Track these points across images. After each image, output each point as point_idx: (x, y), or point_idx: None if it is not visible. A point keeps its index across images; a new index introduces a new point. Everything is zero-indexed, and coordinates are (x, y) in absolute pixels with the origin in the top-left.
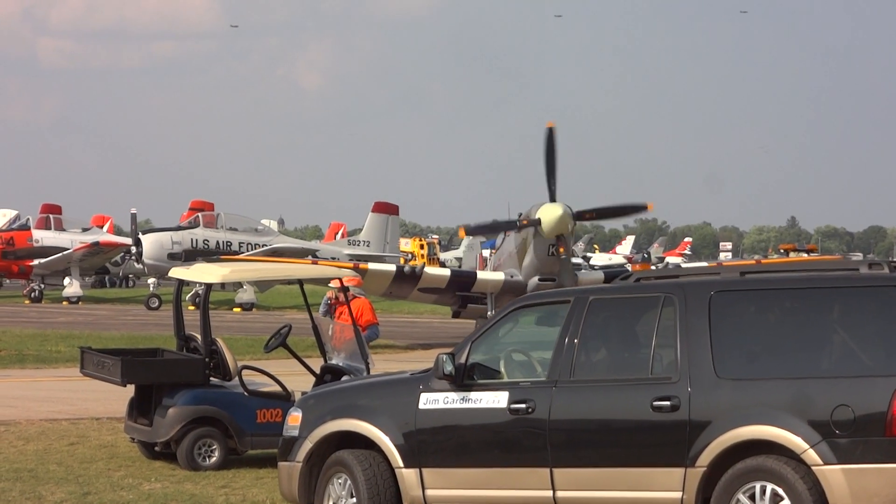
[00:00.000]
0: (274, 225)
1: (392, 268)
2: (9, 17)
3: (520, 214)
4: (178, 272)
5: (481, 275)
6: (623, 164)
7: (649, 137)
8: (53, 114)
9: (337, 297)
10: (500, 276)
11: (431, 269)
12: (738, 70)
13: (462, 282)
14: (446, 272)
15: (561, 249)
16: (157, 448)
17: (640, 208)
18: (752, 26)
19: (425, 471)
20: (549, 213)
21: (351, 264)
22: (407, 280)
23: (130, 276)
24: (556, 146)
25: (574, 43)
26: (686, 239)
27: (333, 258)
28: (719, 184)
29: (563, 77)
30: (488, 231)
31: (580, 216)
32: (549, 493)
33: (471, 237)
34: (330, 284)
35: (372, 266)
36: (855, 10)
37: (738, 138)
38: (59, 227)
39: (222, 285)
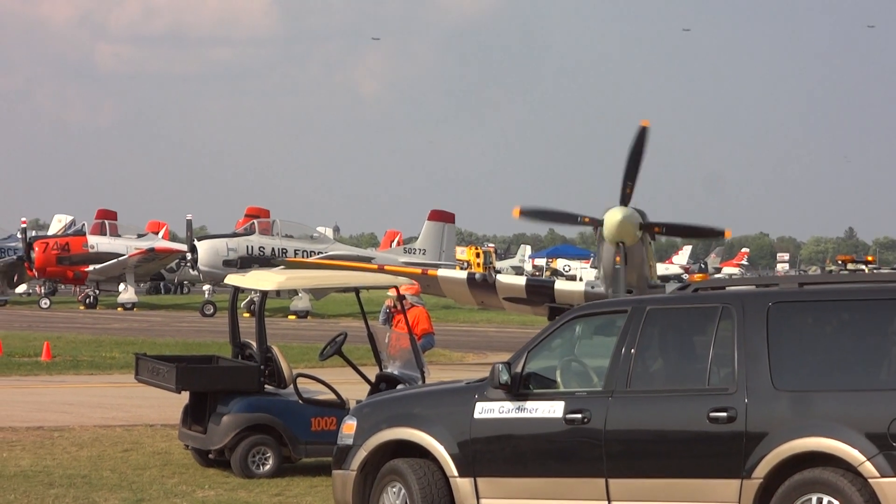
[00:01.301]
0: (329, 232)
1: (463, 275)
2: (67, 23)
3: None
4: (233, 279)
5: (559, 284)
6: (676, 170)
7: (702, 144)
8: (110, 119)
9: (395, 306)
10: (580, 286)
11: (504, 277)
12: (799, 82)
13: (541, 290)
14: (521, 280)
15: (617, 259)
16: (211, 455)
17: (717, 233)
18: (830, 36)
19: (480, 480)
20: (610, 216)
21: (418, 271)
22: (481, 288)
23: (185, 282)
24: (644, 147)
25: (643, 46)
26: (743, 249)
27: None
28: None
29: (625, 81)
30: (543, 218)
31: (648, 227)
32: None
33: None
34: (388, 293)
35: (441, 273)
36: None
37: (793, 148)
38: (115, 233)
39: (277, 293)
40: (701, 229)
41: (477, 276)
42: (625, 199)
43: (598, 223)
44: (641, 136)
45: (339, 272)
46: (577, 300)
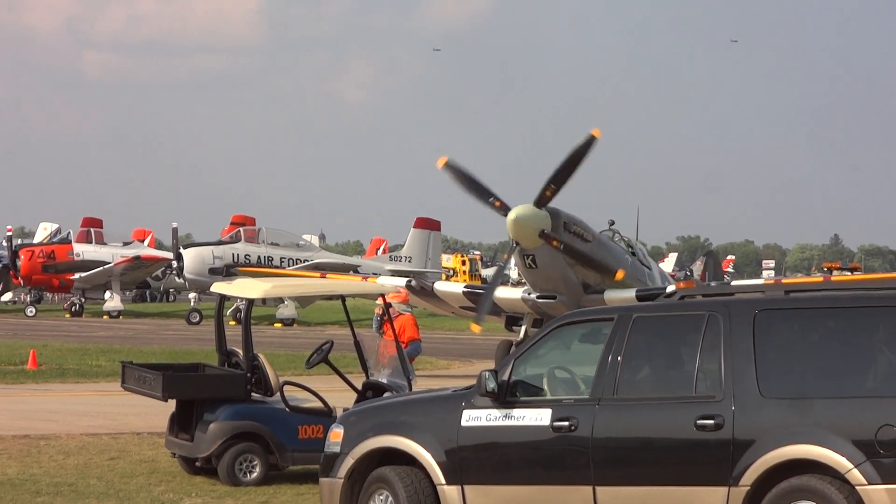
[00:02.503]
0: (315, 240)
1: (402, 282)
2: (52, 31)
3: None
4: (220, 287)
5: (498, 292)
6: (663, 178)
7: (691, 152)
8: (95, 127)
9: (383, 314)
10: (517, 293)
11: (442, 285)
12: (785, 88)
13: (475, 299)
14: (458, 288)
15: (505, 257)
16: (198, 463)
17: (610, 272)
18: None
19: (467, 488)
20: (512, 212)
21: (358, 278)
22: (424, 296)
23: (171, 290)
24: (586, 156)
25: (626, 58)
26: (729, 257)
27: (375, 274)
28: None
29: (608, 92)
30: (462, 180)
31: (548, 237)
32: None
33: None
34: (377, 301)
35: (380, 280)
36: None
37: (778, 154)
38: (100, 241)
39: (263, 300)
40: (597, 263)
41: (413, 283)
42: (540, 201)
43: (507, 210)
44: (588, 144)
45: (326, 280)
46: (515, 308)
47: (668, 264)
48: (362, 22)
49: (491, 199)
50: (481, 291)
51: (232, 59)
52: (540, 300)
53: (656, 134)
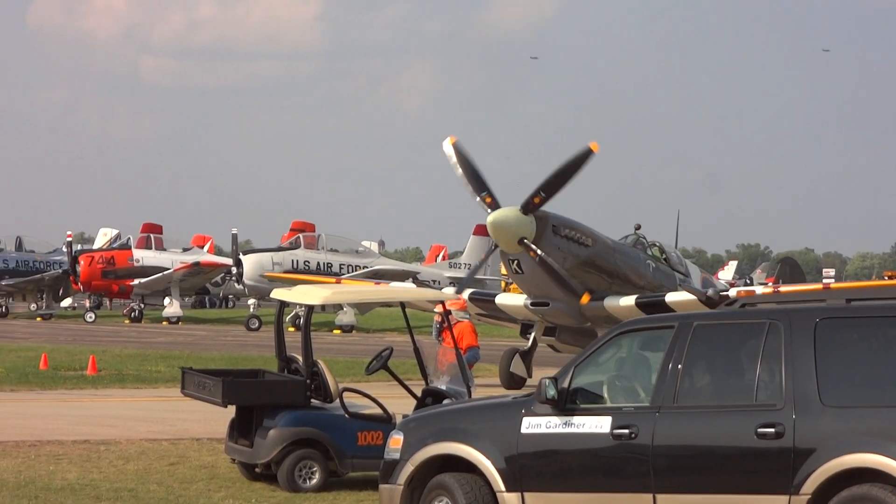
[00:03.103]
0: (375, 247)
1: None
2: (111, 36)
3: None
4: (280, 293)
5: (500, 298)
6: (725, 185)
7: (752, 161)
8: (155, 132)
9: (442, 321)
10: (519, 300)
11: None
12: (847, 97)
13: (486, 304)
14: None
15: (481, 257)
16: (257, 469)
17: (574, 293)
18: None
19: (527, 495)
20: (491, 214)
21: (370, 283)
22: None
23: (230, 296)
24: (581, 168)
25: (687, 63)
26: None
27: (435, 281)
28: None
29: (668, 99)
30: (463, 165)
31: (526, 246)
32: None
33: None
34: (435, 309)
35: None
36: None
37: (838, 162)
38: (160, 247)
39: (323, 307)
40: (603, 267)
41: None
42: (526, 207)
43: (495, 209)
44: (584, 157)
45: (385, 287)
46: (519, 314)
47: (728, 272)
48: (419, 28)
49: (483, 194)
50: (486, 296)
51: (290, 65)
52: (532, 307)
53: (718, 141)
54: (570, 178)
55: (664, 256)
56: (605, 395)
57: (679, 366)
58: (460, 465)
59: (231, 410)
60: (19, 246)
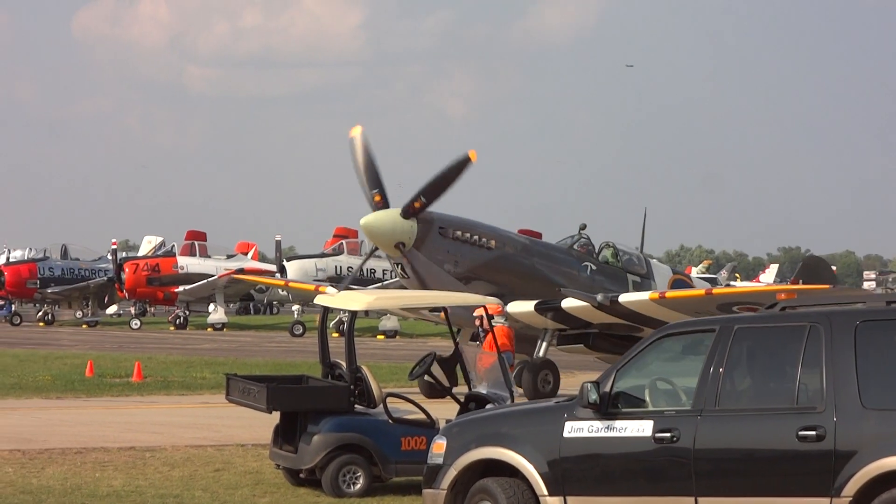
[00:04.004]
0: None
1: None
2: (156, 46)
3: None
4: (323, 299)
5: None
6: (765, 189)
7: (791, 164)
8: (199, 141)
9: (482, 325)
10: (529, 305)
11: None
12: (885, 100)
13: None
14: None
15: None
16: (301, 475)
17: (463, 162)
18: None
19: (570, 499)
20: (364, 217)
21: (312, 287)
22: None
23: (274, 302)
24: (460, 176)
25: (736, 69)
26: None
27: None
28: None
29: (716, 105)
30: (365, 162)
31: (408, 211)
32: None
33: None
34: (474, 314)
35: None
36: None
37: (878, 163)
38: (204, 254)
39: (366, 312)
40: (512, 270)
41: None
42: (407, 211)
43: (383, 209)
44: (462, 164)
45: (428, 293)
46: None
47: (770, 275)
48: (462, 34)
49: (374, 192)
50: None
51: (333, 73)
52: (431, 312)
53: (760, 146)
54: (450, 185)
55: (617, 258)
56: (647, 399)
57: (720, 369)
58: (503, 469)
59: (275, 416)
60: (64, 254)
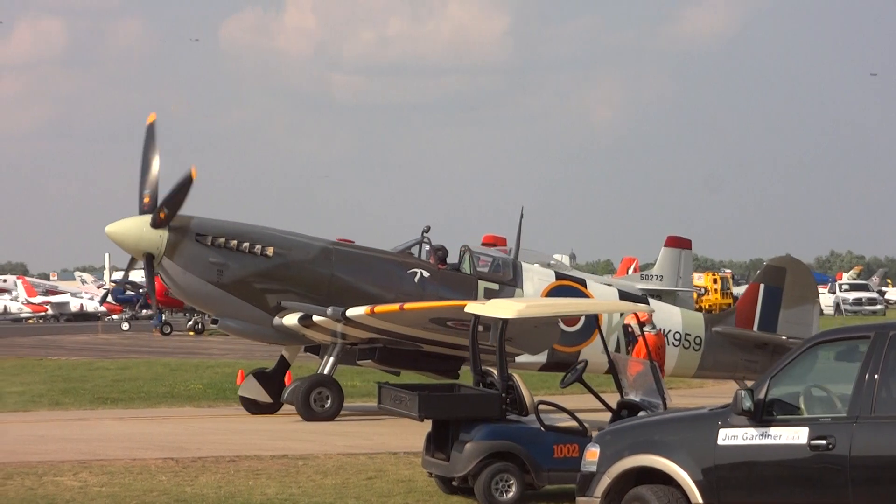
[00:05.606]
0: (566, 259)
1: None
2: (302, 55)
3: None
4: (474, 308)
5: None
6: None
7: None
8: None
9: (633, 333)
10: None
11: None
12: None
13: None
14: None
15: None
16: (454, 482)
17: (188, 180)
18: None
19: None
20: (109, 225)
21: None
22: None
23: None
24: (189, 190)
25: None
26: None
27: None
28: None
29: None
30: (143, 158)
31: (156, 222)
32: None
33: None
34: (624, 322)
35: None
36: None
37: None
38: None
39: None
40: (296, 279)
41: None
42: (155, 221)
43: (152, 214)
44: (187, 181)
45: (579, 300)
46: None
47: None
48: (609, 40)
49: (145, 193)
50: None
51: (478, 79)
52: (219, 326)
53: (819, 152)
54: (184, 198)
55: (472, 265)
56: (802, 406)
57: (876, 376)
58: (657, 477)
59: (427, 424)
60: None
